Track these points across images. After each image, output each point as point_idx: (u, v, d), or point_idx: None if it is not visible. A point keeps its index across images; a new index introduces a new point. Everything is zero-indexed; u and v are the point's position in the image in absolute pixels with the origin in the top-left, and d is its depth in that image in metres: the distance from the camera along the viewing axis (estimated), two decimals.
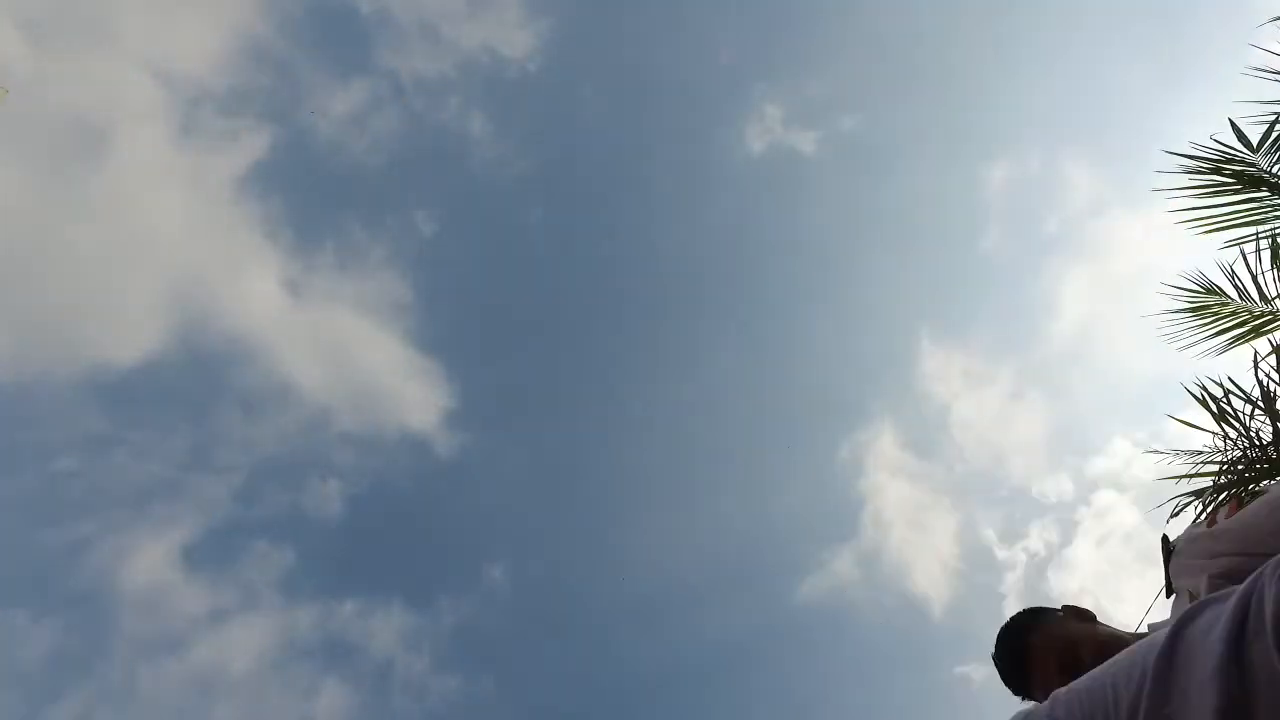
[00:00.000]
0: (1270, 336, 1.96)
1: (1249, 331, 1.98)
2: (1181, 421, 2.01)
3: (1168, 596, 0.67)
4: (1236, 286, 1.97)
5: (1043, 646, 0.74)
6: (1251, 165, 1.85)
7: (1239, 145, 1.85)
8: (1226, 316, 2.01)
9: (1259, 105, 1.82)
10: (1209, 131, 1.87)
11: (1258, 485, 1.97)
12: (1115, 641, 0.71)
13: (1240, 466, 1.93)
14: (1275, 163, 1.83)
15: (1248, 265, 1.91)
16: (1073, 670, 0.64)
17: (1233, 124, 1.84)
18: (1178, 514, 2.02)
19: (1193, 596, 0.60)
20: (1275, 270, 1.89)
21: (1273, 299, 1.93)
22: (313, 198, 7.46)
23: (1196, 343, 2.04)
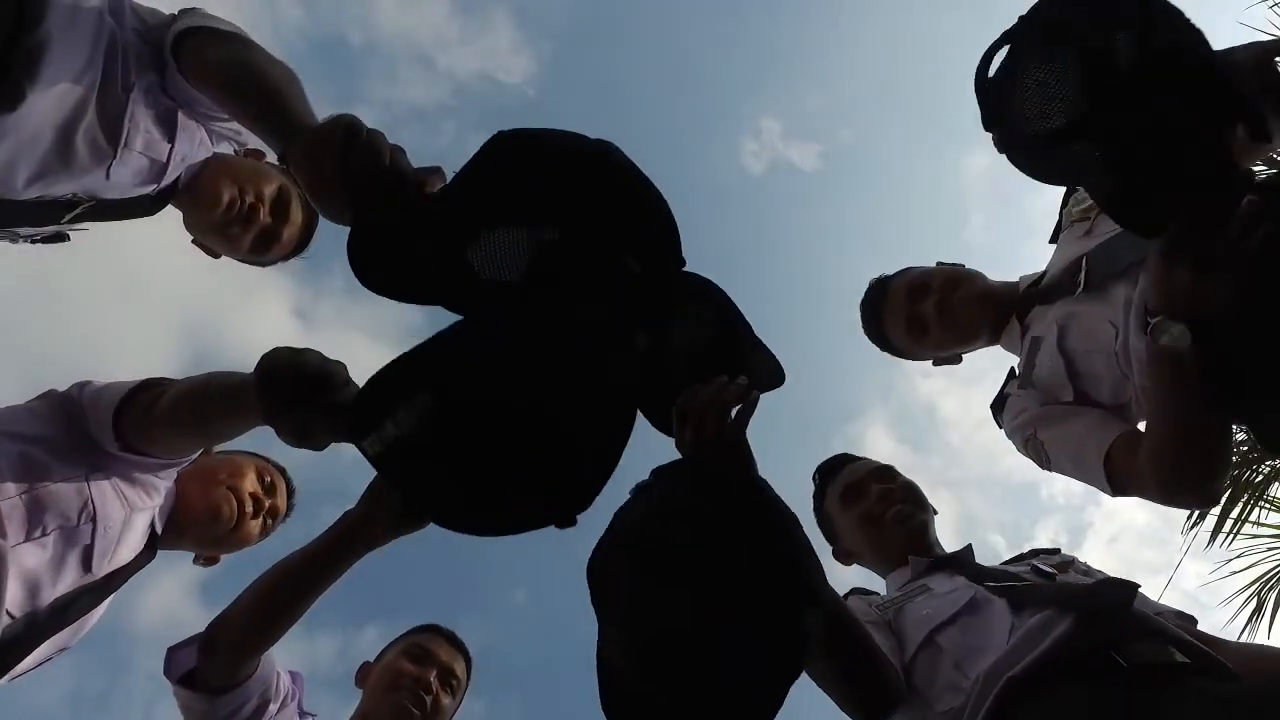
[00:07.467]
0: None
1: None
2: None
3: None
4: None
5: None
6: None
7: None
8: None
9: None
10: None
11: (1265, 466, 2.01)
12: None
13: (1245, 448, 1.92)
14: None
15: None
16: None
17: None
18: None
19: None
20: None
21: None
22: (321, 225, 7.52)
23: None
